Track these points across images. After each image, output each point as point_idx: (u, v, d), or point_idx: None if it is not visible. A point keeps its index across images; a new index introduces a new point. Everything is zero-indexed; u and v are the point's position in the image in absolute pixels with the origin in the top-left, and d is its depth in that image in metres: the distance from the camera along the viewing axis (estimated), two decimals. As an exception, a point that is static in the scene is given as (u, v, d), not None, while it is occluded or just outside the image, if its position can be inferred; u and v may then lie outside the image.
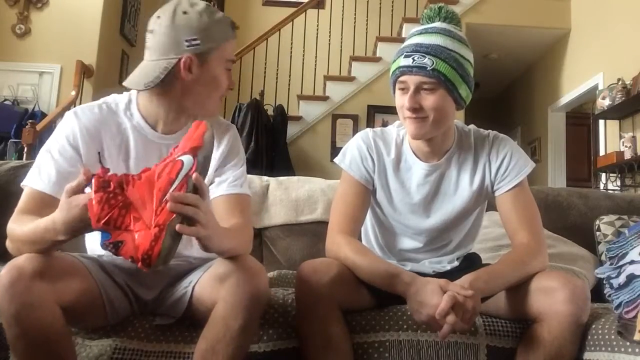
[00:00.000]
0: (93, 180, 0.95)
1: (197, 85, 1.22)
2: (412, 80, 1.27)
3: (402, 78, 1.29)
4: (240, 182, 1.29)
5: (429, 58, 1.25)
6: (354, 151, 1.42)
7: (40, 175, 1.18)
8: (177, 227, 0.93)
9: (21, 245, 1.07)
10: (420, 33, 1.31)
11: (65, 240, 1.02)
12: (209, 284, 1.15)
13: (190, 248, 1.31)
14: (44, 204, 1.12)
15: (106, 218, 0.92)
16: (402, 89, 1.30)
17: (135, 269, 1.26)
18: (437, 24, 1.33)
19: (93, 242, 1.33)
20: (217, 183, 1.28)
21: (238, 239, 1.18)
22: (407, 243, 1.45)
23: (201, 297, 1.18)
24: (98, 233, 0.96)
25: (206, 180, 1.23)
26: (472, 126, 1.47)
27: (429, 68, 1.25)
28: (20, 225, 1.09)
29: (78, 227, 0.99)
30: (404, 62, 1.28)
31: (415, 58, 1.26)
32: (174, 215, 0.92)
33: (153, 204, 0.93)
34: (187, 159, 0.97)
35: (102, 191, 0.94)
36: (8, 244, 1.11)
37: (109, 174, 0.97)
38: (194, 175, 0.96)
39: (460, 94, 1.30)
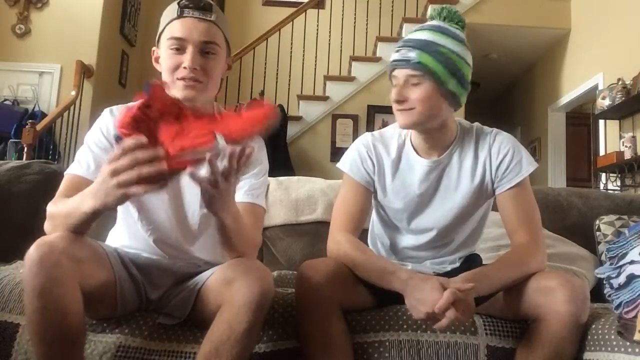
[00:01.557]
0: (146, 91, 0.98)
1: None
2: (400, 73, 1.31)
3: (394, 72, 1.34)
4: (257, 192, 1.31)
5: (414, 52, 1.29)
6: (354, 154, 1.43)
7: (80, 163, 1.26)
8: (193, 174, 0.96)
9: (57, 221, 1.11)
10: (414, 31, 1.36)
11: (90, 214, 1.03)
12: (215, 287, 1.17)
13: (198, 251, 1.33)
14: (83, 187, 1.15)
15: (126, 132, 0.95)
16: (394, 84, 1.34)
17: (145, 265, 1.31)
18: (432, 22, 1.36)
19: (114, 237, 1.38)
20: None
21: (245, 230, 1.20)
22: (410, 241, 1.45)
23: (206, 299, 1.19)
24: (121, 229, 1.00)
25: None
26: (476, 124, 1.47)
27: (413, 61, 1.29)
28: (57, 205, 1.15)
29: (108, 203, 0.98)
30: (394, 56, 1.34)
31: (402, 52, 1.31)
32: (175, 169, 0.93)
33: (166, 151, 0.94)
34: (219, 144, 0.97)
35: (141, 110, 0.96)
36: (46, 224, 1.16)
37: (163, 96, 0.99)
38: (236, 161, 0.98)
39: (449, 88, 1.30)
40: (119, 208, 1.37)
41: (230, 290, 1.10)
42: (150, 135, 0.95)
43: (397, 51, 1.33)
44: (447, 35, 1.32)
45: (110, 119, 1.30)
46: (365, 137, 1.46)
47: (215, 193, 1.03)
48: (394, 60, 1.33)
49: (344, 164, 1.45)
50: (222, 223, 1.11)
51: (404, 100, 1.31)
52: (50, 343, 1.05)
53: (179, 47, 1.22)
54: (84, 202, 1.02)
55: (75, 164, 1.26)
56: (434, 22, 1.36)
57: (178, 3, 1.24)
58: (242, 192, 1.29)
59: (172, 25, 1.23)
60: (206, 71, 1.23)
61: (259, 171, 1.33)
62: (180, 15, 1.22)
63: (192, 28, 1.21)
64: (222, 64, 1.28)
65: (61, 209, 1.12)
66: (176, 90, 1.23)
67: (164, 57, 1.25)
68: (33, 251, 1.03)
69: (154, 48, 1.30)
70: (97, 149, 1.26)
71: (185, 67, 1.20)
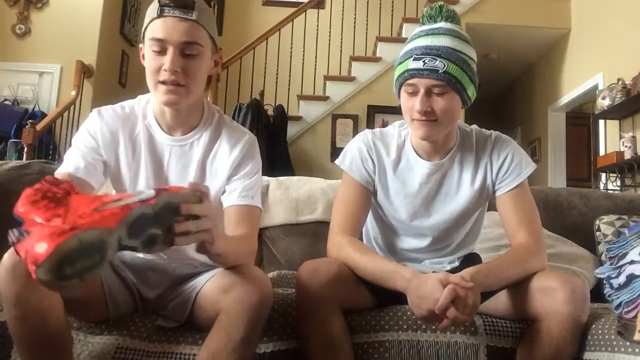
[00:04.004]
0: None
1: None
2: (422, 83, 1.26)
3: (411, 81, 1.28)
4: (252, 193, 1.27)
5: (440, 61, 1.24)
6: (354, 153, 1.42)
7: (69, 163, 1.24)
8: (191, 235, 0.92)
9: None
10: (427, 34, 1.30)
11: None
12: (213, 293, 1.15)
13: (194, 251, 1.31)
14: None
15: (34, 204, 0.86)
16: (411, 92, 1.29)
17: (140, 267, 1.29)
18: (443, 25, 1.31)
19: None
20: (228, 192, 1.28)
21: (239, 247, 1.18)
22: (410, 243, 1.45)
23: (204, 305, 1.18)
24: None
25: (217, 188, 1.27)
26: (474, 126, 1.47)
27: (440, 71, 1.24)
28: None
29: None
30: (414, 64, 1.26)
31: (426, 61, 1.25)
32: (95, 226, 0.82)
33: (84, 209, 0.85)
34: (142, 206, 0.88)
35: (47, 184, 0.90)
36: None
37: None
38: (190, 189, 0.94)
39: (468, 94, 1.31)
40: None
41: (227, 298, 1.08)
42: (63, 201, 0.87)
43: (417, 59, 1.26)
44: (461, 39, 1.30)
45: (98, 120, 1.28)
46: (366, 135, 1.44)
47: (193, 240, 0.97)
48: (416, 69, 1.26)
49: (344, 161, 1.43)
50: (213, 258, 1.09)
51: (431, 111, 1.27)
52: (35, 350, 1.05)
53: (160, 48, 1.17)
54: None
55: (64, 164, 1.24)
56: (444, 25, 1.31)
57: (159, 1, 1.18)
58: (236, 194, 1.26)
59: (153, 25, 1.18)
60: (188, 73, 1.18)
61: (251, 169, 1.29)
62: (160, 15, 1.17)
63: (172, 28, 1.16)
64: (206, 63, 1.23)
65: None
66: (159, 94, 1.19)
67: (146, 57, 1.21)
68: (6, 259, 1.01)
69: (140, 45, 1.25)
70: (84, 149, 1.25)
71: (165, 70, 1.16)
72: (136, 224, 0.87)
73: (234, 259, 1.15)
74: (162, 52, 1.17)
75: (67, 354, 1.11)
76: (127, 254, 1.30)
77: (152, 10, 1.20)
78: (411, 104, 1.29)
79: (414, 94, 1.28)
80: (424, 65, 1.25)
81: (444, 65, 1.24)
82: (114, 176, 1.29)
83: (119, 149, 1.28)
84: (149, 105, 1.31)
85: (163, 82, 1.18)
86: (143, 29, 1.22)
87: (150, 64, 1.19)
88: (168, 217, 0.91)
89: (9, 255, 1.01)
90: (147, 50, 1.20)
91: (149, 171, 1.27)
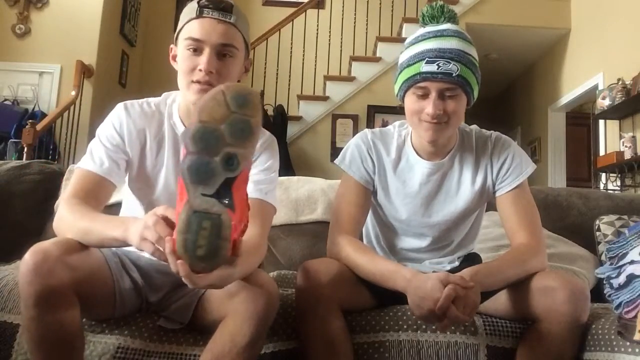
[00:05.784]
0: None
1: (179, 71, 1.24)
2: (434, 86, 1.25)
3: (422, 84, 1.26)
4: (266, 188, 1.26)
5: (453, 64, 1.24)
6: (354, 152, 1.42)
7: (93, 158, 1.23)
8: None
9: (70, 234, 1.09)
10: (436, 36, 1.28)
11: (118, 243, 1.04)
12: (218, 297, 1.14)
13: None
14: (95, 184, 1.17)
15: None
16: (421, 95, 1.28)
17: (145, 268, 1.29)
18: (450, 27, 1.30)
19: None
20: None
21: (250, 263, 1.12)
22: (410, 242, 1.45)
23: (208, 308, 1.17)
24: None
25: None
26: (474, 126, 1.47)
27: (454, 74, 1.24)
28: (72, 213, 1.11)
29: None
30: (427, 68, 1.25)
31: (440, 64, 1.24)
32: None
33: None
34: None
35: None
36: (55, 223, 1.14)
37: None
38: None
39: (474, 96, 1.32)
40: (124, 209, 1.37)
41: (233, 302, 1.07)
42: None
43: (431, 62, 1.24)
44: (467, 41, 1.30)
45: (124, 114, 1.27)
46: (365, 134, 1.44)
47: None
48: (429, 72, 1.24)
49: (343, 161, 1.42)
50: None
51: (443, 114, 1.26)
52: (48, 350, 1.04)
53: (196, 48, 1.18)
54: (116, 230, 1.01)
55: (87, 159, 1.23)
56: (451, 27, 1.30)
57: (198, 2, 1.19)
58: (250, 187, 1.22)
59: (190, 25, 1.19)
60: (221, 74, 1.19)
61: (268, 166, 1.28)
62: (199, 15, 1.18)
63: (210, 29, 1.17)
64: (239, 66, 1.25)
65: (80, 228, 1.08)
66: (191, 93, 1.21)
67: (180, 57, 1.21)
68: (28, 258, 1.01)
69: (171, 46, 1.26)
70: (109, 145, 1.24)
71: (200, 70, 1.17)
72: None
73: (244, 274, 1.10)
74: (198, 51, 1.18)
75: (79, 357, 1.10)
76: (134, 254, 1.30)
77: (189, 11, 1.21)
78: (420, 107, 1.28)
79: (424, 96, 1.27)
80: (438, 69, 1.24)
81: (458, 69, 1.24)
82: (136, 175, 1.28)
83: (145, 147, 1.27)
84: (175, 105, 1.31)
85: (197, 82, 1.19)
86: (178, 30, 1.23)
87: (185, 64, 1.20)
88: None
89: (30, 254, 1.01)
90: (181, 50, 1.21)
91: (170, 172, 1.27)
